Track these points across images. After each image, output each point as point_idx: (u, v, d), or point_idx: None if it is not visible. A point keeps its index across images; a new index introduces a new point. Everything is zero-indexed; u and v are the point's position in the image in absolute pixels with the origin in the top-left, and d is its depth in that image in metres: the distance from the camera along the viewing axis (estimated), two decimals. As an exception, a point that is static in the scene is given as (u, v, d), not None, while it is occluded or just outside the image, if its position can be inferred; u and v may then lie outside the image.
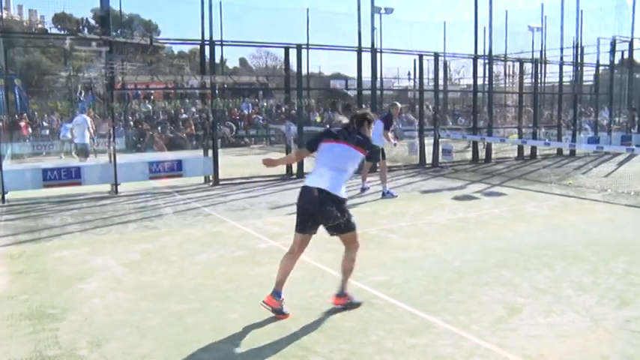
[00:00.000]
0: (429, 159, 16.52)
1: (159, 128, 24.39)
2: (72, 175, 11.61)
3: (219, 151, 13.67)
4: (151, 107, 27.53)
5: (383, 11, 24.64)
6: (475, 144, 17.66)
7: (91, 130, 15.95)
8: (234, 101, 28.67)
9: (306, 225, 5.04)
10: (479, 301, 5.22)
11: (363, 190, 11.59)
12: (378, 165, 11.62)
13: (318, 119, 27.57)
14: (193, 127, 24.54)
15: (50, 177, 11.44)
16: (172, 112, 26.60)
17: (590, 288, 5.59)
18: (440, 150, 16.53)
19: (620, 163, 16.74)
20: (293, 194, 11.20)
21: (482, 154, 17.69)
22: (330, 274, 6.07)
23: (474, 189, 12.17)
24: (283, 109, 25.01)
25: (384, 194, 11.02)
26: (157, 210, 10.04)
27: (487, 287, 5.63)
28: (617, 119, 23.46)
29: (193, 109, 25.87)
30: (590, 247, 7.14)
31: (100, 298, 5.42)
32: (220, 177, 13.08)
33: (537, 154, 18.77)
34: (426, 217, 9.26)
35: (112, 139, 12.51)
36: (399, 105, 12.35)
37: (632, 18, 21.24)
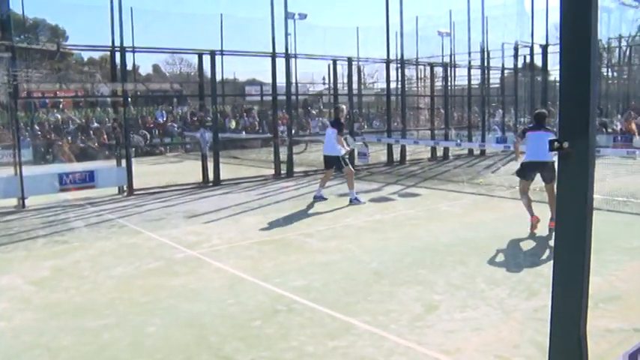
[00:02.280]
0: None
1: (68, 138, 23.47)
2: (-27, 190, 10.97)
3: (133, 160, 13.30)
4: (60, 116, 26.45)
5: (297, 17, 24.74)
6: (390, 146, 18.01)
7: None
8: (148, 109, 28.01)
9: None
10: (397, 301, 5.31)
11: (316, 198, 11.10)
12: (343, 171, 11.25)
13: (233, 125, 27.35)
14: (105, 137, 23.76)
15: (-51, 192, 10.76)
16: (83, 121, 25.66)
17: (501, 282, 5.81)
18: (356, 153, 16.75)
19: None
20: (209, 202, 11.18)
21: (397, 156, 18.06)
22: (248, 281, 6.01)
23: (390, 190, 12.41)
24: (197, 116, 24.65)
25: (351, 200, 10.77)
26: (67, 224, 9.63)
27: (405, 286, 5.74)
28: (522, 120, 24.56)
29: (106, 118, 25.05)
30: (500, 242, 7.43)
31: (6, 320, 5.12)
32: (135, 187, 12.72)
33: (450, 154, 19.39)
34: (343, 219, 9.36)
35: (17, 150, 11.89)
36: (343, 107, 12.09)
37: (532, 25, 22.36)
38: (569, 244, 2.29)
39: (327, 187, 12.28)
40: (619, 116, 23.87)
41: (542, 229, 7.94)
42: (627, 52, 26.90)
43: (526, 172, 8.34)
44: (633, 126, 21.67)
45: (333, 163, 11.02)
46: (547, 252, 6.90)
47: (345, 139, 11.52)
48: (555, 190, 7.34)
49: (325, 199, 11.07)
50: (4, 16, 11.78)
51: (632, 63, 26.79)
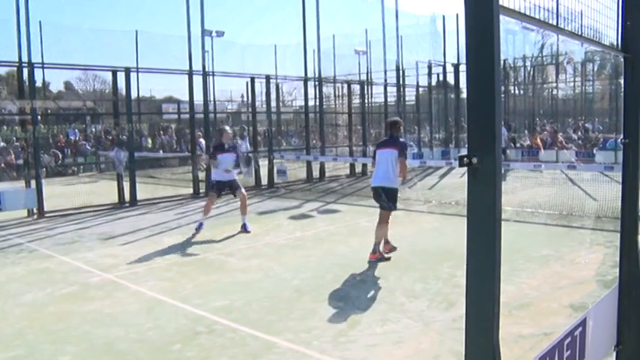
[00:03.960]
0: (264, 180, 16.68)
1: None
2: None
3: (44, 181, 12.77)
4: (-39, 135, 25.09)
5: (214, 34, 24.64)
6: (309, 163, 18.13)
7: None
8: (60, 127, 26.99)
9: None
10: (319, 317, 5.33)
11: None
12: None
13: (150, 144, 26.77)
14: (13, 157, 22.71)
15: None
16: (-12, 140, 24.44)
17: (421, 294, 5.95)
18: (275, 171, 16.77)
19: (442, 176, 18.10)
20: (126, 223, 10.88)
21: (316, 173, 18.20)
22: (167, 304, 5.88)
23: (310, 207, 12.48)
24: (112, 135, 23.98)
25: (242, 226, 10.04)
26: (-28, 249, 9.12)
27: (326, 302, 5.78)
28: (437, 136, 25.37)
29: (14, 137, 23.96)
30: (419, 255, 7.62)
31: None
32: (46, 209, 12.20)
33: (368, 170, 19.71)
34: (263, 238, 9.32)
35: None
36: (227, 128, 10.97)
37: (444, 45, 23.27)
38: (480, 255, 2.39)
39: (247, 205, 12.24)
40: (526, 132, 25.06)
41: (458, 242, 8.17)
42: (531, 72, 28.38)
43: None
44: (539, 141, 22.79)
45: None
46: (464, 264, 7.12)
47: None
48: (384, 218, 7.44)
49: (249, 231, 9.97)
50: None
51: (535, 81, 28.26)
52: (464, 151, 2.35)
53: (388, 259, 7.49)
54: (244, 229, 9.96)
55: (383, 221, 7.62)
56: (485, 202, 2.36)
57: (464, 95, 24.38)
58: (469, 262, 2.44)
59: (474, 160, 2.30)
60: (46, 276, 7.23)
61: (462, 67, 23.69)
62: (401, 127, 8.07)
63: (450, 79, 24.55)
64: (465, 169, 2.37)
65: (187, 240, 9.25)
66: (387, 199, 7.55)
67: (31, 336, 5.10)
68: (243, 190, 10.40)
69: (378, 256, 7.48)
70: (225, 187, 10.31)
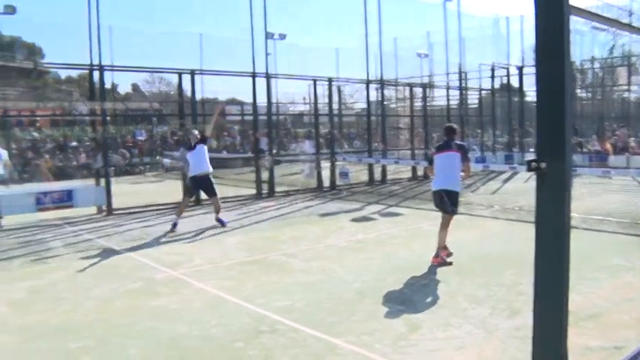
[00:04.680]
0: (326, 182, 16.74)
1: (46, 157, 23.26)
2: (-52, 210, 10.80)
3: (112, 179, 13.21)
4: (37, 135, 26.22)
5: (277, 37, 24.88)
6: (371, 166, 18.10)
7: (9, 163, 14.86)
8: (127, 128, 27.89)
9: None
10: (380, 320, 5.31)
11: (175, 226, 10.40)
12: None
13: (214, 145, 27.27)
14: (84, 156, 23.59)
15: None
16: (61, 139, 25.46)
17: (483, 300, 5.84)
18: (337, 173, 16.81)
19: (505, 181, 17.74)
20: (190, 222, 11.11)
21: (377, 176, 18.14)
22: (230, 302, 5.99)
23: (372, 210, 12.45)
24: (176, 135, 24.57)
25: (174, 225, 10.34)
26: (45, 244, 9.51)
27: (388, 305, 5.75)
28: (500, 139, 24.88)
29: (85, 137, 24.88)
30: (481, 261, 7.49)
31: (-18, 342, 5.04)
32: (114, 206, 12.62)
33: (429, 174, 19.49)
34: (325, 239, 9.36)
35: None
36: (195, 132, 11.23)
37: (508, 47, 22.84)
38: (549, 263, 2.33)
39: (309, 207, 12.33)
40: (594, 136, 24.26)
41: (522, 248, 7.99)
42: (600, 74, 27.44)
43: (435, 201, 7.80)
44: (608, 145, 22.03)
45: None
46: (529, 271, 6.94)
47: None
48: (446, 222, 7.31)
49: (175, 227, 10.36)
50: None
51: (604, 84, 27.31)
52: (528, 156, 2.31)
53: (450, 263, 7.39)
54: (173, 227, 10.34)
55: (445, 225, 7.55)
56: (554, 209, 2.31)
57: (528, 98, 23.90)
58: (537, 269, 2.39)
59: (543, 165, 2.25)
60: (114, 271, 7.47)
61: (527, 70, 23.18)
62: (457, 133, 8.05)
63: (514, 81, 24.05)
64: (531, 174, 2.32)
65: (250, 240, 9.39)
66: (449, 202, 7.50)
67: (99, 329, 5.28)
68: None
69: (439, 261, 7.41)
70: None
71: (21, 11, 17.12)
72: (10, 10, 15.99)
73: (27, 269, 7.73)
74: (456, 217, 7.72)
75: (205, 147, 10.80)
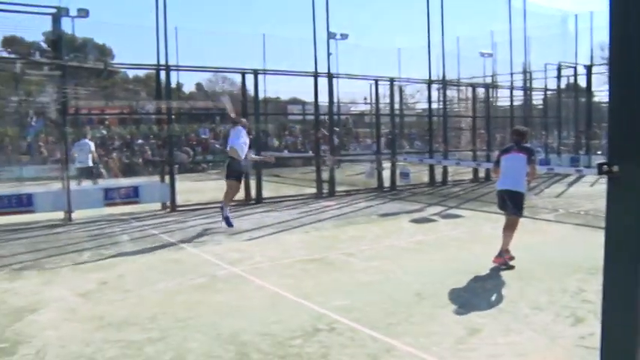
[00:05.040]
0: (387, 182, 16.67)
1: (114, 154, 24.03)
2: (23, 203, 11.29)
3: (177, 176, 13.54)
4: (105, 132, 27.11)
5: (339, 37, 24.92)
6: (432, 167, 17.92)
7: (95, 154, 15.49)
8: (191, 126, 28.48)
9: None
10: (439, 323, 5.26)
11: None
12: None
13: (276, 144, 27.57)
14: (150, 153, 24.25)
15: (0, 204, 11.10)
16: (128, 137, 26.24)
17: (546, 306, 5.69)
18: (397, 173, 16.72)
19: (570, 184, 17.24)
20: (251, 220, 11.28)
21: (438, 177, 17.95)
22: (289, 299, 6.04)
23: (432, 211, 12.33)
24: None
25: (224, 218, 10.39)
26: (112, 237, 9.84)
27: (447, 308, 5.69)
28: (565, 141, 24.17)
29: (150, 135, 25.57)
30: (544, 266, 7.29)
31: (54, 329, 5.26)
32: (178, 203, 12.93)
33: (491, 176, 19.12)
34: (385, 240, 9.33)
35: (65, 165, 12.21)
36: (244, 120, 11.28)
37: (576, 46, 22.12)
38: (619, 272, 2.25)
39: (369, 207, 12.31)
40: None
41: (588, 254, 7.74)
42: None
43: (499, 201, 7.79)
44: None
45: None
46: (595, 278, 6.72)
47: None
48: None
49: (231, 225, 10.37)
50: (56, 36, 12.19)
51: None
52: (596, 159, 2.24)
53: (512, 267, 7.25)
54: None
55: (510, 227, 7.44)
56: (626, 215, 2.21)
57: (596, 99, 23.13)
58: (607, 278, 2.30)
59: (615, 169, 2.17)
60: (178, 266, 7.67)
61: (595, 69, 22.41)
62: (527, 137, 8.00)
63: (582, 81, 23.28)
64: (600, 177, 2.25)
65: (310, 239, 9.45)
66: (512, 204, 7.41)
67: (163, 321, 5.43)
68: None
69: (501, 261, 7.29)
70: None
71: (93, 13, 17.75)
72: (83, 13, 16.61)
73: (96, 261, 8.02)
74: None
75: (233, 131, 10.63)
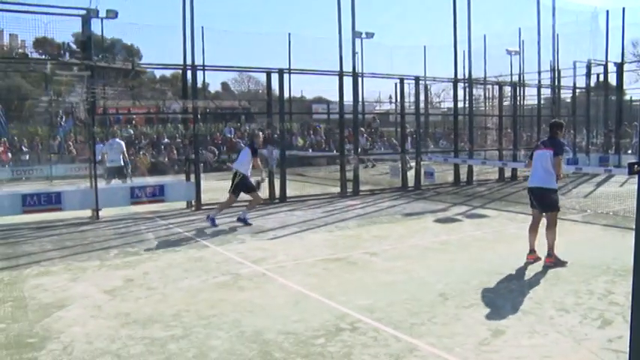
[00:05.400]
0: (411, 182, 16.59)
1: (141, 153, 24.29)
2: (52, 201, 11.48)
3: (202, 175, 13.64)
4: (132, 132, 27.42)
5: (364, 36, 24.86)
6: (457, 166, 17.79)
7: (126, 154, 15.69)
8: (217, 126, 28.63)
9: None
10: (463, 324, 5.22)
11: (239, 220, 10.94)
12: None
13: (300, 143, 27.61)
14: (175, 152, 24.47)
15: (30, 203, 11.28)
16: (154, 136, 26.52)
17: (572, 308, 5.62)
18: (422, 173, 16.63)
19: (599, 184, 16.97)
20: (275, 218, 11.32)
21: (463, 177, 17.81)
22: (312, 298, 6.05)
23: (456, 211, 12.24)
24: (265, 133, 25.03)
25: (242, 219, 10.83)
26: (138, 235, 9.96)
27: (471, 309, 5.64)
28: (594, 141, 23.80)
29: (177, 134, 25.80)
30: (571, 267, 7.19)
31: (81, 325, 5.34)
32: (203, 202, 13.02)
33: (518, 175, 18.94)
34: (409, 240, 9.28)
35: (93, 164, 12.36)
36: (260, 134, 12.07)
37: (606, 42, 21.73)
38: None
39: (393, 206, 12.27)
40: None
41: (616, 255, 7.62)
42: None
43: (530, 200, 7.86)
44: None
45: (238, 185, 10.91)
46: (624, 280, 6.61)
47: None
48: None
49: (249, 224, 10.77)
50: (86, 37, 12.37)
51: None
52: (626, 158, 2.20)
53: (564, 264, 7.24)
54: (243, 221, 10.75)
55: (551, 225, 7.46)
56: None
57: (627, 97, 22.71)
58: (636, 280, 2.26)
59: (644, 168, 2.14)
60: (202, 264, 7.72)
61: (627, 67, 22.01)
62: (562, 129, 7.99)
63: (612, 79, 22.88)
64: (629, 177, 2.22)
65: (333, 238, 9.45)
66: (539, 202, 7.49)
67: (187, 319, 5.47)
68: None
69: (553, 260, 7.30)
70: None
71: (121, 14, 17.96)
72: (112, 14, 16.81)
73: (122, 259, 8.12)
74: (544, 220, 7.52)
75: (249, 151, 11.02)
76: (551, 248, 7.35)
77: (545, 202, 7.46)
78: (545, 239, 7.42)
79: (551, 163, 7.43)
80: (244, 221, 10.74)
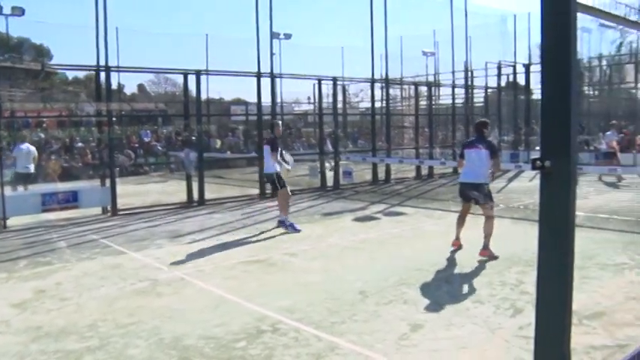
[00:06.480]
0: (330, 182, 16.71)
1: (52, 158, 23.31)
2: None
3: (118, 180, 13.23)
4: (43, 136, 26.29)
5: (282, 37, 24.93)
6: (375, 165, 18.06)
7: (36, 159, 14.79)
8: (133, 129, 27.91)
9: None
10: (382, 320, 5.30)
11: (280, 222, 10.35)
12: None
13: (218, 145, 27.30)
14: (90, 156, 23.63)
15: None
16: (67, 140, 25.51)
17: (486, 299, 5.82)
18: (341, 172, 16.78)
19: (510, 179, 17.68)
20: (194, 222, 11.13)
21: (381, 175, 18.11)
22: (232, 302, 5.98)
23: (375, 210, 12.42)
24: (182, 136, 24.62)
25: (283, 224, 10.18)
26: (50, 244, 9.53)
27: (390, 305, 5.73)
28: (505, 138, 24.78)
29: (90, 138, 24.92)
30: (485, 260, 7.45)
31: (-13, 342, 5.05)
32: (119, 207, 12.63)
33: (434, 173, 19.46)
34: (327, 239, 9.34)
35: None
36: (279, 122, 11.14)
37: (515, 45, 22.73)
38: (552, 262, 2.31)
39: (312, 206, 12.33)
40: (601, 134, 24.14)
41: (527, 247, 7.95)
42: (608, 72, 27.32)
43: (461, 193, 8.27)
44: (615, 143, 21.91)
45: (270, 183, 10.49)
46: (533, 270, 6.90)
47: (283, 157, 10.41)
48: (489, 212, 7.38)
49: (298, 230, 10.05)
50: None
51: (612, 82, 27.16)
52: (534, 154, 2.29)
53: (496, 257, 7.52)
54: (291, 228, 10.09)
55: (490, 215, 7.86)
56: (558, 207, 2.28)
57: (535, 96, 23.77)
58: (540, 268, 2.36)
59: (547, 164, 2.23)
60: (119, 271, 7.48)
61: (534, 68, 23.06)
62: (488, 128, 8.43)
63: (521, 79, 23.94)
64: (536, 172, 2.30)
65: (252, 239, 9.38)
66: (480, 193, 7.84)
67: (103, 328, 5.28)
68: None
69: (487, 254, 7.59)
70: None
71: (30, 12, 17.21)
72: (18, 11, 16.07)
73: (32, 270, 7.73)
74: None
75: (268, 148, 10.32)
76: (487, 239, 7.69)
77: (482, 192, 7.83)
78: (472, 235, 7.90)
79: (488, 162, 7.86)
80: (291, 227, 10.10)
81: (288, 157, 10.56)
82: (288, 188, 10.39)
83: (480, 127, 8.17)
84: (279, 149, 10.29)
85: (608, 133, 18.22)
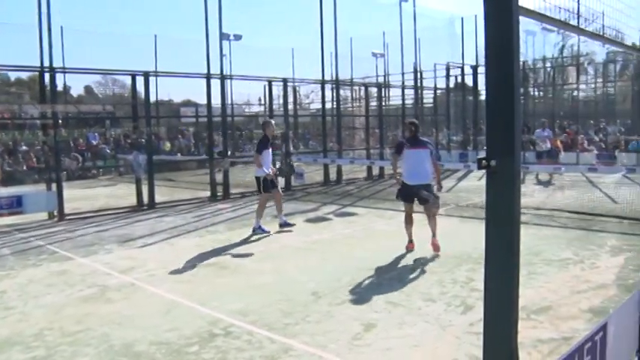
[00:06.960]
0: (281, 183, 16.65)
1: (-6, 162, 22.58)
2: None
3: (64, 184, 12.91)
4: (-16, 139, 25.43)
5: (232, 38, 24.71)
6: (326, 166, 18.11)
7: None
8: (80, 131, 27.26)
9: None
10: (335, 320, 5.32)
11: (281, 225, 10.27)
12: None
13: (168, 147, 26.92)
14: (35, 160, 22.97)
15: None
16: (10, 143, 24.73)
17: (437, 297, 5.91)
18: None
19: (460, 179, 17.98)
20: (144, 226, 10.95)
21: (333, 176, 18.16)
22: (184, 306, 5.91)
23: (326, 210, 12.46)
24: (131, 138, 24.19)
25: (281, 225, 10.20)
26: (-7, 251, 9.23)
27: (343, 306, 5.76)
28: (454, 138, 25.20)
29: (35, 141, 24.23)
30: (436, 259, 7.58)
31: None
32: (66, 212, 12.31)
33: (385, 173, 19.63)
34: (279, 240, 9.33)
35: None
36: (272, 121, 10.79)
37: (462, 47, 23.12)
38: (498, 258, 2.37)
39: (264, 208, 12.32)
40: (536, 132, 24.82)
41: (476, 245, 8.09)
42: (551, 73, 28.11)
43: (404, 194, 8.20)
44: (559, 143, 22.56)
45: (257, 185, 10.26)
46: (482, 267, 7.03)
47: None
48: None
49: (291, 225, 10.31)
50: None
51: (555, 83, 27.95)
52: (482, 154, 2.34)
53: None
54: (286, 225, 10.24)
55: (435, 213, 8.09)
56: (503, 205, 2.34)
57: (482, 97, 24.24)
58: (487, 265, 2.42)
59: (493, 163, 2.28)
60: (66, 278, 7.29)
61: (481, 69, 23.50)
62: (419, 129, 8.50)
63: (469, 80, 24.38)
64: (484, 172, 2.35)
65: (204, 242, 9.29)
66: (429, 192, 7.92)
67: (50, 337, 5.14)
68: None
69: (437, 244, 7.93)
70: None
71: (-34, 11, 16.60)
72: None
73: (-27, 278, 7.47)
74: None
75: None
76: (435, 234, 7.93)
77: (431, 192, 7.95)
78: (421, 233, 8.10)
79: (431, 162, 7.98)
80: (286, 224, 10.19)
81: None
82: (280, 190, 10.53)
83: (414, 128, 8.15)
84: (263, 151, 10.01)
85: (538, 130, 18.70)
